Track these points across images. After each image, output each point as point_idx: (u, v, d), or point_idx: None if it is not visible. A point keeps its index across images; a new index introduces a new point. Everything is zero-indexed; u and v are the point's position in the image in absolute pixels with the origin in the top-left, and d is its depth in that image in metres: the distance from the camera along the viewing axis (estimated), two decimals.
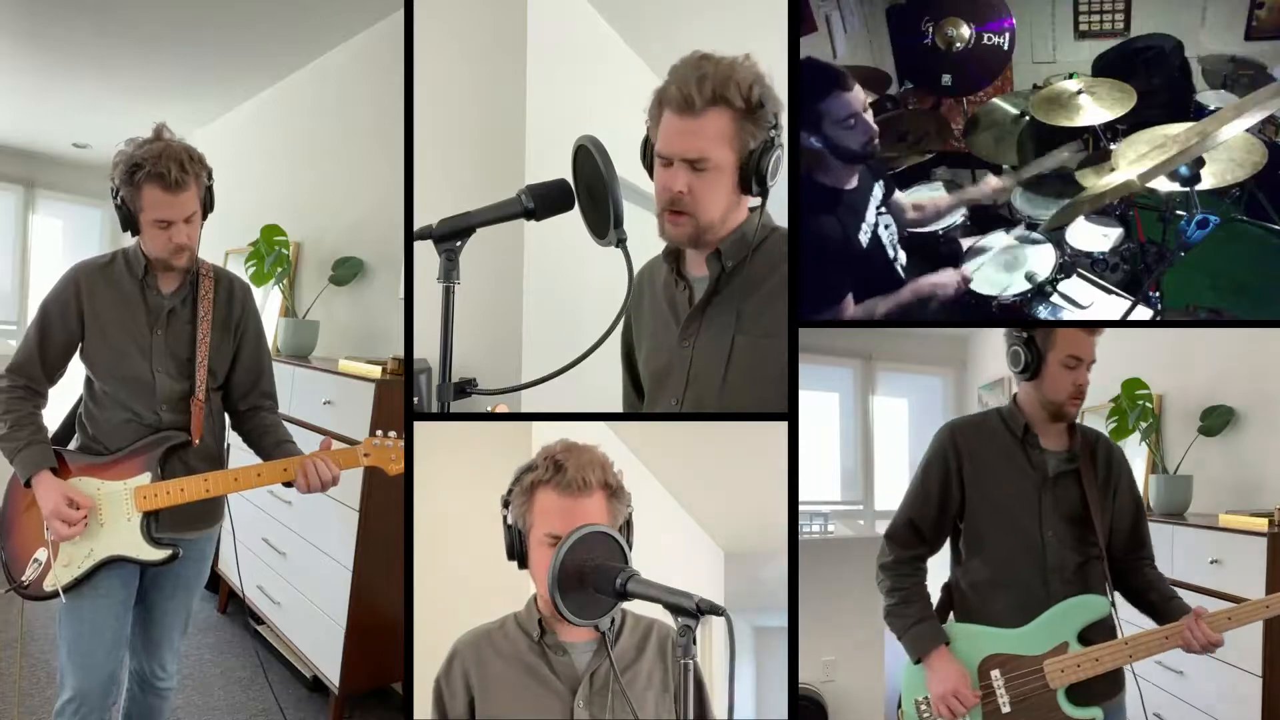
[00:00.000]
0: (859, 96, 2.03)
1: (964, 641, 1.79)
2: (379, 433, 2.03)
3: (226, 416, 2.20)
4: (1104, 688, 1.76)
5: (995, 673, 1.75)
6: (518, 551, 1.44)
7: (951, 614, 1.88)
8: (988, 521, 1.82)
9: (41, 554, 1.96)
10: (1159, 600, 1.80)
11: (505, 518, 1.45)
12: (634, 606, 1.37)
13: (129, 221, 1.97)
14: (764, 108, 1.50)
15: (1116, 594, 1.81)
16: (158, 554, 1.99)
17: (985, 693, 1.75)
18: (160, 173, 1.89)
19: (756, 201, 1.55)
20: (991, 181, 2.43)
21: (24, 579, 1.97)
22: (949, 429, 1.87)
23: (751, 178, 1.51)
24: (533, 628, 1.46)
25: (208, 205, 2.02)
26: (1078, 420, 1.85)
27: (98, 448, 2.02)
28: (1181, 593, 1.83)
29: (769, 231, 1.58)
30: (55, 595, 1.95)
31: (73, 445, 2.08)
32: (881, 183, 2.19)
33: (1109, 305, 2.14)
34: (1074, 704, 1.72)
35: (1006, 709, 1.74)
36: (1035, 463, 1.81)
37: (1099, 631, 1.76)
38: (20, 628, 2.25)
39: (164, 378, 2.03)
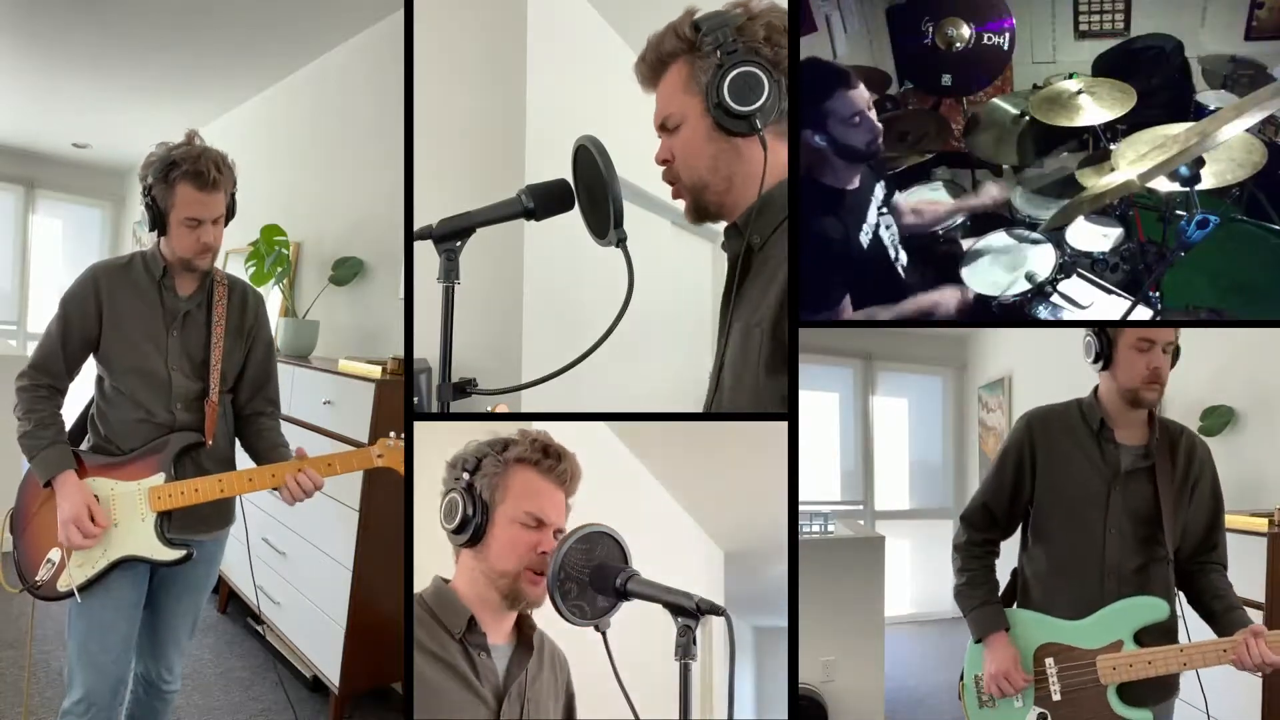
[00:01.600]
0: (863, 95, 2.02)
1: (1022, 627, 1.80)
2: (391, 434, 2.04)
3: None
4: (1157, 690, 1.75)
5: (1049, 660, 1.77)
6: (476, 524, 1.36)
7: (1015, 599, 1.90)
8: (1054, 513, 1.82)
9: (55, 554, 1.95)
10: (1221, 610, 1.76)
11: (469, 485, 1.37)
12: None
13: (157, 220, 2.00)
14: (700, 32, 1.36)
15: (1181, 597, 1.79)
16: (172, 554, 1.99)
17: (1038, 679, 1.76)
18: (199, 171, 1.94)
19: (774, 174, 1.37)
20: (992, 191, 2.40)
21: (37, 579, 1.96)
22: (1027, 419, 1.87)
23: (721, 111, 1.35)
24: (456, 622, 1.35)
25: (230, 211, 2.05)
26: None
27: (110, 448, 2.02)
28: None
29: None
30: (69, 595, 1.94)
31: (84, 445, 2.08)
32: (883, 183, 2.19)
33: (1109, 305, 2.14)
34: (1125, 703, 1.72)
35: (1057, 697, 1.75)
36: (1108, 457, 1.79)
37: (1157, 634, 1.73)
38: (30, 627, 2.23)
39: (179, 376, 2.04)
